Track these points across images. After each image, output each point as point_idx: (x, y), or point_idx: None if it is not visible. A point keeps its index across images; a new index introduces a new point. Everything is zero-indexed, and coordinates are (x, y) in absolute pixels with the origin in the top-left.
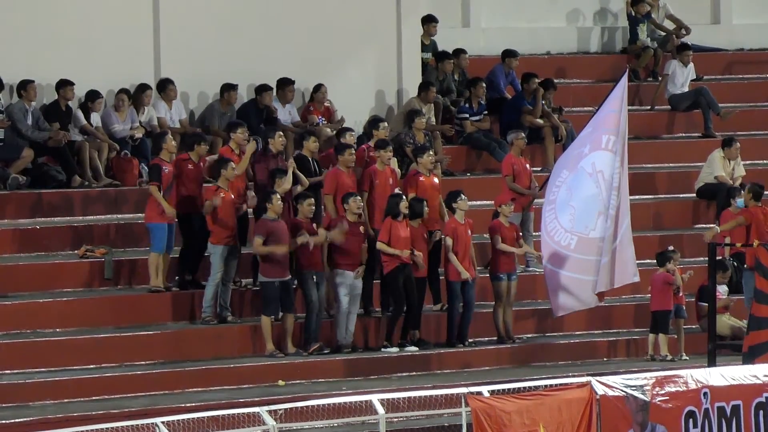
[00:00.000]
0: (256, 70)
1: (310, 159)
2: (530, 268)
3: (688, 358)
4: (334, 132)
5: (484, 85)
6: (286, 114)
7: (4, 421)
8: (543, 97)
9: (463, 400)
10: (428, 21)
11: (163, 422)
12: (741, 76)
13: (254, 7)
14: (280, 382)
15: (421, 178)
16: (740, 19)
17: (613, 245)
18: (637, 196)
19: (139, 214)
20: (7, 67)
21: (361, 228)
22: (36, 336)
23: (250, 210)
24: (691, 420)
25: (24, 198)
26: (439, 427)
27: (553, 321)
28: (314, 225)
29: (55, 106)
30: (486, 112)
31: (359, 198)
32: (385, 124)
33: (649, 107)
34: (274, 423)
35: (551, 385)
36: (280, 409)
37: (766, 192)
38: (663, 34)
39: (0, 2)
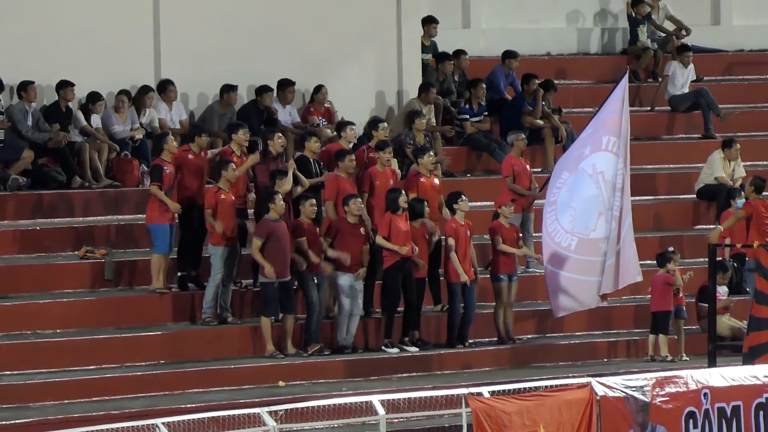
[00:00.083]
0: (256, 72)
1: (311, 160)
2: (530, 269)
3: (688, 358)
4: (335, 133)
5: (484, 86)
6: (287, 115)
7: (4, 422)
8: (543, 98)
9: (463, 401)
10: (428, 22)
11: (163, 423)
12: (741, 77)
13: (254, 9)
14: (281, 383)
15: (422, 179)
16: (740, 20)
17: (617, 247)
18: (637, 197)
19: (140, 215)
20: (8, 68)
21: (362, 230)
22: (36, 337)
23: (250, 211)
24: (691, 421)
25: (24, 199)
26: (440, 427)
27: (553, 322)
28: (317, 228)
29: (56, 107)
30: (486, 113)
31: (359, 200)
32: (385, 124)
33: (649, 108)
34: (275, 424)
35: (551, 386)
36: (280, 410)
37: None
38: (663, 35)
39: (0, 3)
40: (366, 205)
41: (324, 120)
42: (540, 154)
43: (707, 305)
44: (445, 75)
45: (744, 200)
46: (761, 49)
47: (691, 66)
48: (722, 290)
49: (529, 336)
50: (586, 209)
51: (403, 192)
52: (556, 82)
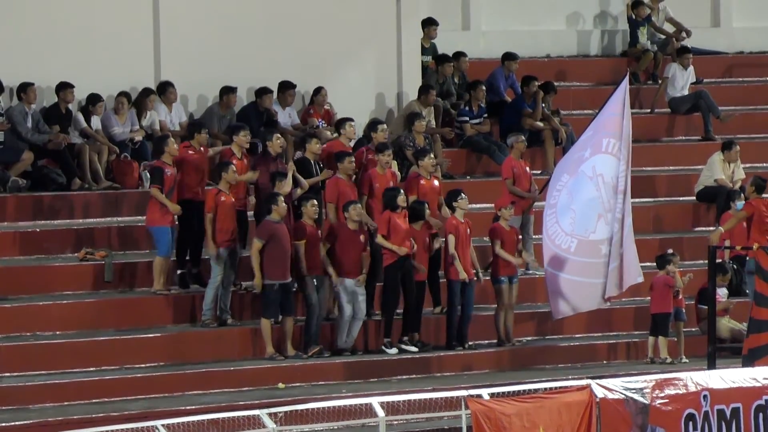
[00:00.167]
0: (255, 73)
1: (312, 162)
2: (530, 271)
3: (687, 360)
4: (335, 135)
5: (484, 88)
6: (286, 117)
7: (3, 424)
8: (543, 100)
9: (463, 403)
10: (428, 24)
11: (163, 425)
12: (741, 79)
13: (254, 11)
14: (280, 385)
15: (422, 181)
16: (740, 22)
17: (621, 249)
18: (637, 199)
19: (139, 217)
20: (7, 69)
21: (362, 237)
22: (36, 339)
23: (250, 213)
24: (690, 423)
25: (24, 201)
26: (439, 429)
27: (552, 324)
28: (318, 230)
29: (55, 109)
30: (486, 115)
31: (359, 206)
32: (384, 126)
33: (649, 110)
34: (274, 426)
35: (551, 388)
36: (280, 412)
37: None
38: (663, 37)
39: (0, 5)
40: (365, 207)
41: (324, 122)
42: (540, 156)
43: (707, 307)
44: (445, 77)
45: (743, 202)
46: (761, 51)
47: (691, 68)
48: (722, 292)
49: (529, 338)
50: (585, 211)
51: (401, 190)
52: (555, 84)
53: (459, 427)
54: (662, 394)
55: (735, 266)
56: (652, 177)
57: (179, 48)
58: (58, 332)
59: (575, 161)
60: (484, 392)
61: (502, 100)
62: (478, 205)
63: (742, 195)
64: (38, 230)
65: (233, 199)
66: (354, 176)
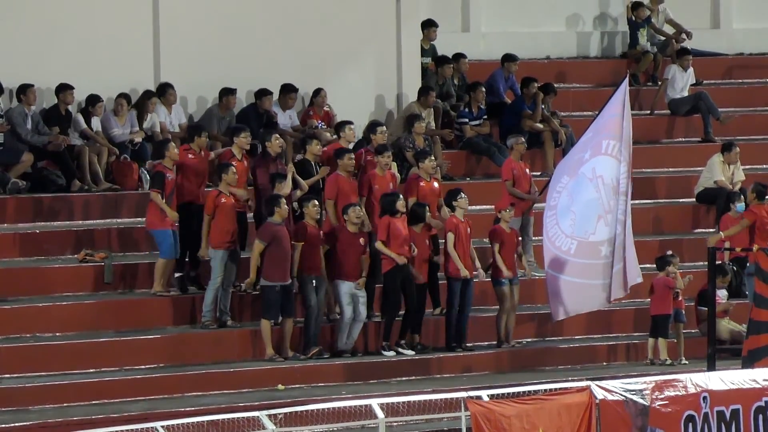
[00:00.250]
0: (255, 75)
1: (312, 163)
2: (531, 273)
3: (687, 362)
4: (334, 136)
5: (483, 89)
6: (287, 119)
7: (4, 425)
8: (543, 101)
9: (462, 405)
10: (428, 25)
11: (162, 426)
12: (741, 80)
13: (254, 12)
14: (280, 387)
15: (422, 183)
16: (740, 24)
17: (624, 251)
18: (636, 201)
19: (139, 219)
20: (7, 71)
21: (361, 240)
22: (36, 340)
23: (250, 214)
24: (690, 424)
25: (24, 202)
26: (439, 431)
27: (552, 325)
28: (320, 231)
29: (55, 111)
30: (486, 116)
31: (359, 208)
32: (384, 128)
33: (648, 112)
34: (274, 427)
35: (551, 390)
36: (279, 414)
37: None
38: (663, 38)
39: None
40: (365, 208)
41: (323, 123)
42: (540, 158)
43: (706, 309)
44: (445, 78)
45: (743, 204)
46: (761, 52)
47: (691, 69)
48: (722, 294)
49: (529, 339)
50: (585, 213)
51: (401, 195)
52: (555, 85)
53: (459, 428)
54: (662, 396)
55: (735, 268)
56: (651, 178)
57: (179, 49)
58: (57, 333)
59: (575, 163)
60: (484, 394)
61: (502, 102)
62: (477, 207)
63: (742, 197)
64: (38, 231)
65: (233, 201)
66: (354, 175)
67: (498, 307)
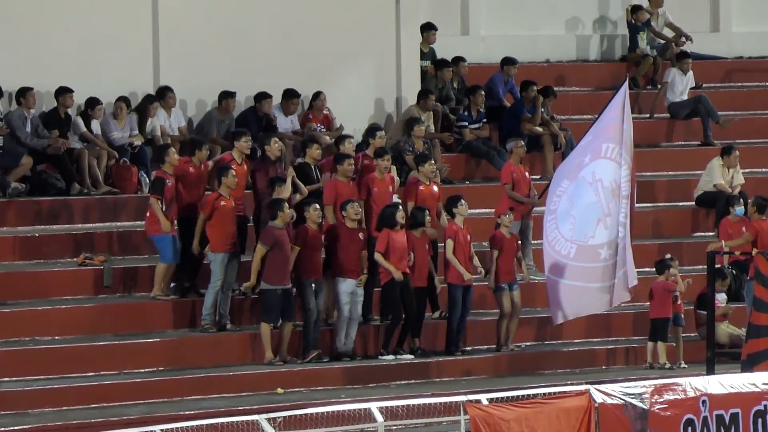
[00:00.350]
0: (255, 78)
1: (312, 166)
2: (530, 277)
3: (686, 366)
4: (333, 140)
5: (483, 93)
6: (288, 123)
7: (3, 429)
8: (542, 104)
9: (461, 408)
10: (427, 29)
11: (162, 430)
12: (740, 84)
13: (253, 15)
14: (279, 390)
15: (421, 187)
16: (739, 27)
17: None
18: (636, 204)
19: (139, 222)
20: (7, 74)
21: (360, 235)
22: (35, 343)
23: (250, 217)
24: (689, 428)
25: (23, 205)
26: None
27: (552, 329)
28: (322, 235)
29: (55, 114)
30: (485, 120)
31: (357, 204)
32: (382, 132)
33: (648, 115)
34: (274, 431)
35: (550, 394)
36: (279, 417)
37: None
38: (662, 42)
39: None
40: (364, 212)
41: (322, 127)
42: (539, 161)
43: (706, 312)
44: (444, 82)
45: (743, 207)
46: (760, 56)
47: (691, 73)
48: (721, 297)
49: (528, 343)
50: (585, 216)
51: (401, 207)
52: (555, 89)
53: None
54: (661, 400)
55: (734, 271)
56: (651, 182)
57: (178, 53)
58: (57, 337)
59: (575, 167)
60: (483, 397)
61: (502, 105)
62: (477, 211)
63: (741, 200)
64: (37, 235)
65: (233, 204)
66: (352, 179)
67: (498, 311)
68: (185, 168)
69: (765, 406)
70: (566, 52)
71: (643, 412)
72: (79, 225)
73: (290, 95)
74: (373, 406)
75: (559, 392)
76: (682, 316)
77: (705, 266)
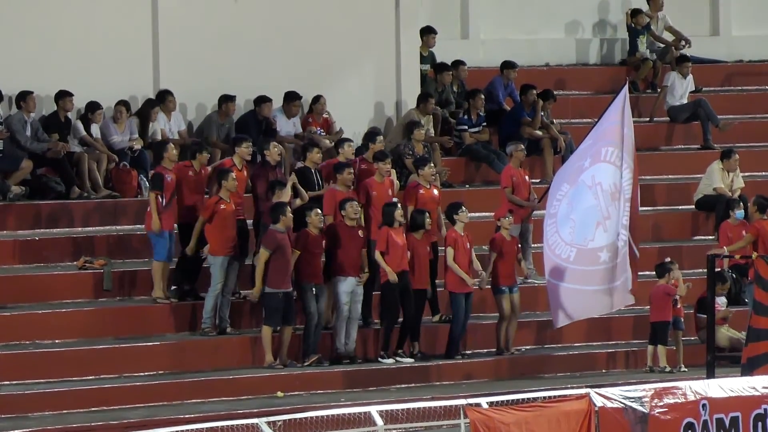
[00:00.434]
0: (254, 82)
1: (313, 171)
2: (529, 280)
3: (686, 369)
4: (333, 144)
5: (482, 96)
6: (291, 126)
7: None
8: (542, 108)
9: (461, 412)
10: (427, 32)
11: None
12: (740, 87)
13: (253, 19)
14: (279, 394)
15: (421, 191)
16: (739, 31)
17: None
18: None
19: (139, 226)
20: (7, 78)
21: (360, 233)
22: (35, 347)
23: (249, 221)
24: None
25: (23, 209)
26: None
27: (552, 333)
28: (323, 239)
29: (55, 118)
30: (485, 123)
31: (356, 203)
32: (381, 137)
33: (648, 119)
34: None
35: (550, 397)
36: (279, 421)
37: None
38: (662, 45)
39: None
40: (363, 216)
41: (322, 130)
42: (539, 165)
43: (706, 316)
44: (444, 85)
45: (742, 211)
46: (760, 59)
47: (690, 76)
48: (721, 301)
49: (528, 347)
50: (585, 220)
51: (399, 206)
52: (555, 92)
53: None
54: (661, 403)
55: (734, 275)
56: (651, 186)
57: (178, 56)
58: (57, 341)
59: (575, 171)
60: (483, 401)
61: (501, 109)
62: (477, 214)
63: (741, 204)
64: (37, 239)
65: (233, 207)
66: (351, 187)
67: (498, 314)
68: (185, 172)
69: (765, 409)
70: (566, 55)
71: (643, 416)
72: (79, 228)
73: (292, 98)
74: (373, 410)
75: (560, 396)
76: (682, 320)
77: (705, 270)
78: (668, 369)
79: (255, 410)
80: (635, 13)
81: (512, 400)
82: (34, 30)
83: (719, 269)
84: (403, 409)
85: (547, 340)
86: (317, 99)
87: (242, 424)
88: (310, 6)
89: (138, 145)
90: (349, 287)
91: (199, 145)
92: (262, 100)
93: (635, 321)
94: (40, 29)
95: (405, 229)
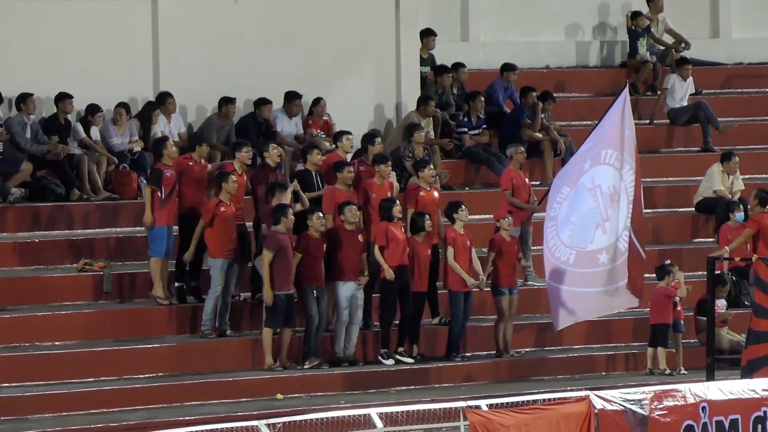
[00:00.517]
0: (254, 84)
1: (313, 173)
2: (529, 282)
3: (686, 372)
4: (333, 145)
5: (482, 98)
6: (293, 127)
7: None
8: (542, 110)
9: (461, 414)
10: (427, 35)
11: None
12: (740, 90)
13: (253, 21)
14: (279, 396)
15: (422, 193)
16: (739, 33)
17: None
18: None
19: (138, 228)
20: (7, 80)
21: (360, 236)
22: (35, 349)
23: (249, 223)
24: None
25: (23, 211)
26: None
27: (551, 335)
28: (324, 242)
29: (54, 120)
30: (485, 125)
31: (354, 207)
32: (379, 139)
33: (648, 121)
34: None
35: (550, 399)
36: (278, 423)
37: None
38: (662, 48)
39: None
40: (363, 217)
41: (322, 132)
42: (539, 167)
43: (706, 318)
44: (444, 88)
45: (742, 213)
46: (760, 62)
47: (690, 79)
48: (721, 303)
49: (528, 349)
50: (584, 222)
51: (397, 201)
52: (554, 95)
53: None
54: (661, 406)
55: (734, 277)
56: (651, 188)
57: (178, 59)
58: (56, 343)
59: (575, 173)
60: (483, 403)
61: (501, 111)
62: (477, 216)
63: (741, 206)
64: (37, 241)
65: (233, 210)
66: (351, 186)
67: (496, 316)
68: (185, 163)
69: (765, 412)
70: (566, 58)
71: (643, 419)
72: (79, 231)
73: (292, 97)
74: (373, 412)
75: (559, 398)
76: (682, 322)
77: (705, 272)
78: (668, 371)
79: (255, 412)
80: (635, 15)
81: (512, 403)
82: (34, 32)
83: (719, 272)
84: (402, 412)
85: (547, 343)
86: (317, 101)
87: (242, 427)
88: (310, 7)
89: (138, 148)
90: (349, 291)
91: (198, 137)
92: (261, 102)
93: (635, 323)
94: (40, 31)
95: (405, 230)
